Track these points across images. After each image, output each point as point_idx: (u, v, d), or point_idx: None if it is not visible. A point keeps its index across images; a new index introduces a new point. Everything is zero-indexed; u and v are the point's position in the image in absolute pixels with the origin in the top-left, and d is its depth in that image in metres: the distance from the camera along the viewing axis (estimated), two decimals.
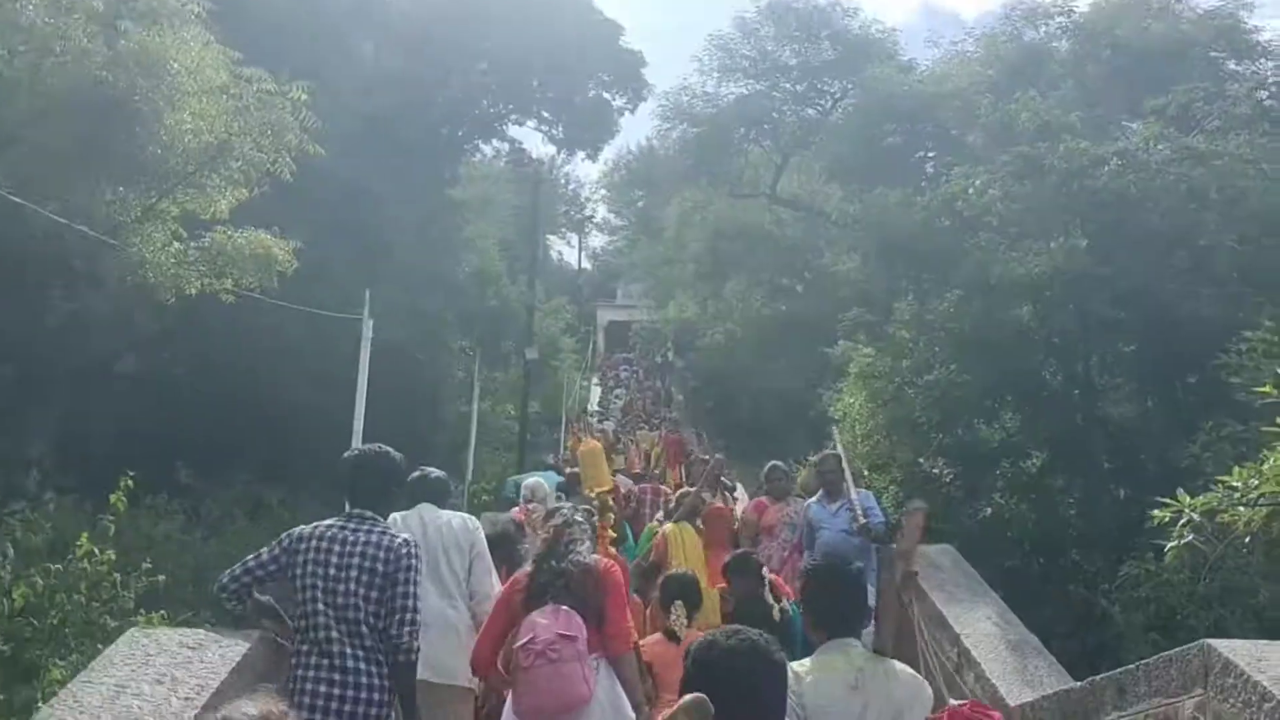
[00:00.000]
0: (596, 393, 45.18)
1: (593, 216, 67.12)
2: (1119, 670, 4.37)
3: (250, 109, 7.93)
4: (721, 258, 21.68)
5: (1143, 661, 4.11)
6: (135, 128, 8.42)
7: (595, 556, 4.35)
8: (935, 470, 14.45)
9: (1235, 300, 10.44)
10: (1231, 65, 14.93)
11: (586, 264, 68.55)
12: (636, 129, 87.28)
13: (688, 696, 2.20)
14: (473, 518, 5.47)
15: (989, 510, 12.76)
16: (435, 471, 5.55)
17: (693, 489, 8.37)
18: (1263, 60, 14.87)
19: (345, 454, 4.26)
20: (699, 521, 7.70)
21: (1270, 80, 13.85)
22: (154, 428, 14.09)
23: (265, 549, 3.94)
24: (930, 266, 12.14)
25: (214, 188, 8.16)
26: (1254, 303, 9.89)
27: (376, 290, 17.85)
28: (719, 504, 9.08)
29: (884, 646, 5.08)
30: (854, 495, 7.01)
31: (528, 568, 4.32)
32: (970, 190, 11.60)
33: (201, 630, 4.14)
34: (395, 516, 4.90)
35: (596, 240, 69.40)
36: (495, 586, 5.03)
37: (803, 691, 3.07)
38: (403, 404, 19.01)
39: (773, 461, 8.94)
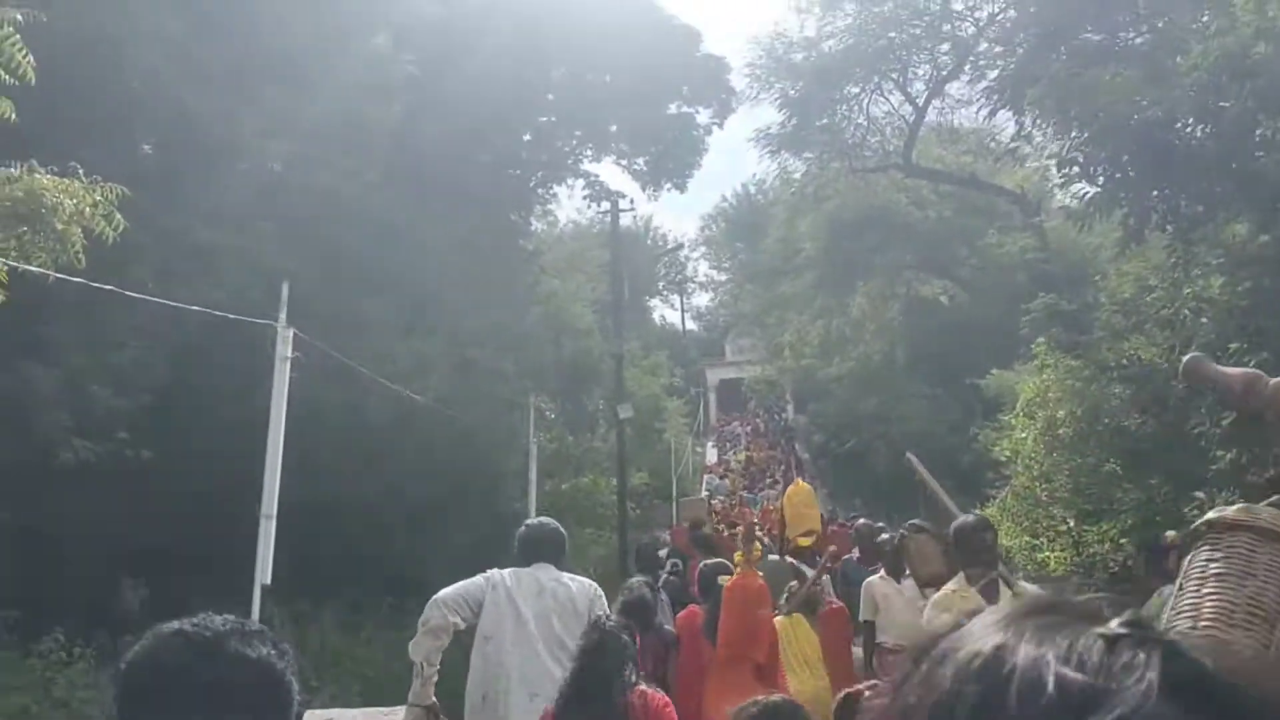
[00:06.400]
0: (713, 454, 41.35)
1: (693, 276, 64.34)
2: None
3: None
4: (844, 256, 16.85)
5: None
6: None
7: (642, 688, 3.77)
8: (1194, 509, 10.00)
9: None
10: None
11: (691, 325, 65.06)
12: (725, 148, 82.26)
13: None
14: (593, 584, 4.84)
15: None
16: (549, 523, 5.04)
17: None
18: None
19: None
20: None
21: None
22: (105, 536, 10.65)
23: None
24: (1200, 177, 7.61)
25: None
26: None
27: (413, 344, 14.61)
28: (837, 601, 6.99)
29: None
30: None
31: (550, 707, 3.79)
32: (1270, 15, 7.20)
33: None
34: (503, 575, 4.61)
35: (700, 300, 66.27)
36: None
37: None
38: (462, 477, 15.32)
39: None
